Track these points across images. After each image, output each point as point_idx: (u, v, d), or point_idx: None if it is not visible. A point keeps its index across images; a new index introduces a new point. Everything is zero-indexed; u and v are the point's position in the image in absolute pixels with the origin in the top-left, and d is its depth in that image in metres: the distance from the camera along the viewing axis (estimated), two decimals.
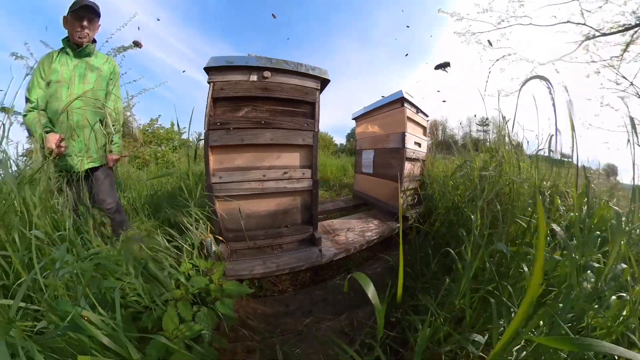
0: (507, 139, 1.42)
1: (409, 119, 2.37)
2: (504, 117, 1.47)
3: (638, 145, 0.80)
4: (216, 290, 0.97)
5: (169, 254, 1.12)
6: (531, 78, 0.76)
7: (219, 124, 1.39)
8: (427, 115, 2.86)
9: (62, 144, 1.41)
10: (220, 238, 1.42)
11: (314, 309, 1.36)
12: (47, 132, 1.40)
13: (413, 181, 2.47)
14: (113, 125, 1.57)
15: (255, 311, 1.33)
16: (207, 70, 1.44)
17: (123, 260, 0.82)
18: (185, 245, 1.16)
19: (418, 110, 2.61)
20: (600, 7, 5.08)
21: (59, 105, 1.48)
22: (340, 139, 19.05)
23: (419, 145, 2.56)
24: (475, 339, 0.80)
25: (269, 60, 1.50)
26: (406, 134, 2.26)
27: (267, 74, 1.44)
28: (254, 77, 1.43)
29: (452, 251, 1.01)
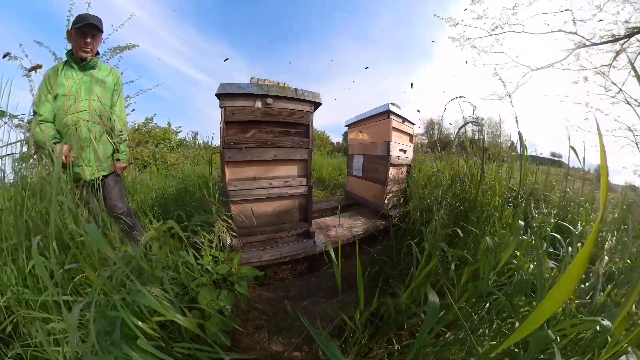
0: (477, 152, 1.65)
1: (395, 129, 2.63)
2: (476, 137, 1.73)
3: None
4: (235, 274, 1.27)
5: (191, 249, 1.40)
6: (467, 123, 1.04)
7: (232, 143, 1.68)
8: (413, 124, 3.14)
9: (71, 153, 1.46)
10: (234, 234, 1.70)
11: (310, 293, 1.59)
12: (55, 144, 1.44)
13: (397, 184, 2.75)
14: (119, 135, 1.71)
15: (261, 296, 1.57)
16: (218, 96, 1.70)
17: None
18: (206, 240, 1.44)
19: (404, 120, 2.88)
20: (595, 15, 5.08)
21: (67, 118, 1.51)
22: (337, 137, 18.95)
23: (404, 151, 2.85)
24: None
25: (270, 86, 1.77)
26: (391, 143, 2.53)
27: (269, 100, 1.73)
28: (258, 104, 1.72)
29: (414, 245, 1.26)
